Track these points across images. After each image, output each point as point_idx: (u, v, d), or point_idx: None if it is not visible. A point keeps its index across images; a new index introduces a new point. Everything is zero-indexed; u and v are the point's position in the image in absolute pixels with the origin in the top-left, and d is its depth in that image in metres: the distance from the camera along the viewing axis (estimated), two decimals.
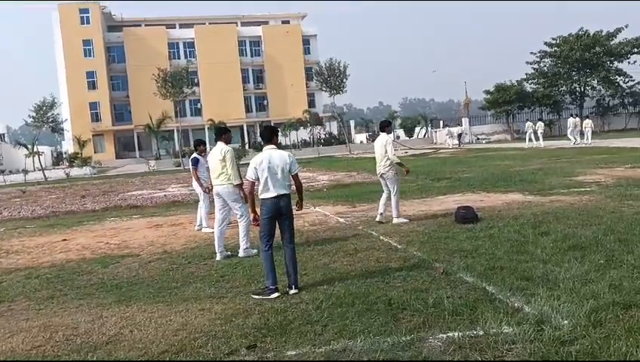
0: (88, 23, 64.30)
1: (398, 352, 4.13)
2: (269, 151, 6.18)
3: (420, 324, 4.65)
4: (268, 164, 6.04)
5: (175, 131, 59.89)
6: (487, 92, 55.73)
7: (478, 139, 51.69)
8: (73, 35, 62.84)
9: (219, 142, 8.30)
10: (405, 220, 9.83)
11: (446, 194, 13.55)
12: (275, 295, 5.79)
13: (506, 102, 52.22)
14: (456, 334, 4.38)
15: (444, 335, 4.39)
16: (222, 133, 8.50)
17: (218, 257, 7.93)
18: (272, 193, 6.03)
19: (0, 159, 53.63)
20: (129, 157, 62.87)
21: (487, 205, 10.96)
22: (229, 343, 4.54)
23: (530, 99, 53.04)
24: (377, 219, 10.00)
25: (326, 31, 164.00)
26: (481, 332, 4.39)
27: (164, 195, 19.28)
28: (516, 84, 54.56)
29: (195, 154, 10.92)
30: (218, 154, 8.12)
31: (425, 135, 60.59)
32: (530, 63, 56.25)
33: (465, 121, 56.47)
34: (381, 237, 8.58)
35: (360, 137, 68.09)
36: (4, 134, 69.70)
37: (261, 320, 5.03)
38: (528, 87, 54.98)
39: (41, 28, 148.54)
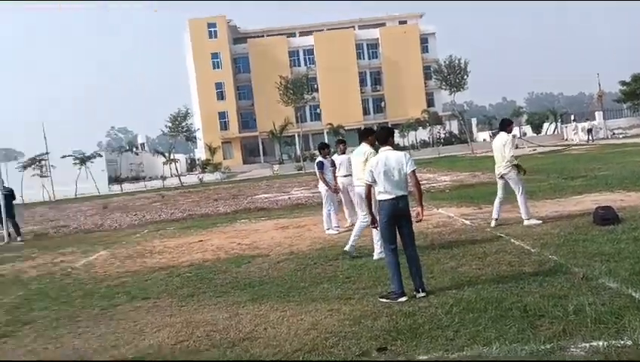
0: (216, 36, 68.22)
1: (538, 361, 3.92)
2: (385, 153, 6.13)
3: (560, 332, 4.37)
4: (384, 165, 6.00)
5: (296, 136, 61.74)
6: (623, 83, 51.42)
7: (614, 134, 47.83)
8: (202, 48, 66.99)
9: (363, 143, 8.12)
10: (538, 221, 9.30)
11: (582, 194, 12.67)
12: (403, 299, 5.73)
13: None
14: (600, 343, 4.07)
15: (587, 345, 4.09)
16: (367, 134, 8.21)
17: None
18: (389, 195, 5.98)
19: (141, 166, 58.51)
20: (254, 163, 65.75)
21: (628, 205, 10.08)
22: (359, 344, 4.57)
23: None
24: (492, 224, 9.52)
25: (445, 27, 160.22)
26: (629, 343, 4.04)
27: (289, 198, 19.91)
28: None
29: (319, 158, 11.13)
30: (362, 155, 7.99)
31: (554, 131, 57.17)
32: None
33: (598, 114, 52.54)
34: (512, 240, 8.19)
35: (483, 135, 65.78)
36: (143, 143, 75.96)
37: (390, 323, 5.00)
38: None
39: (173, 44, 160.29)
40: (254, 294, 6.58)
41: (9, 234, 15.59)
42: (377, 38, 71.75)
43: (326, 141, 54.73)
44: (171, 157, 51.66)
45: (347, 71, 68.63)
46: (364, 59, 72.36)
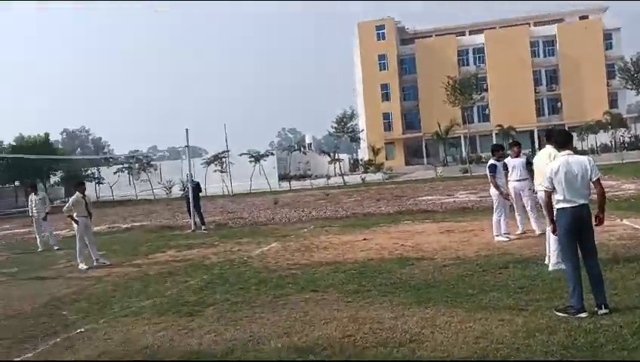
0: (384, 38, 68.88)
1: None
2: (566, 158, 5.67)
3: None
4: (565, 171, 5.57)
5: (462, 138, 60.06)
6: None
7: None
8: (370, 50, 68.05)
9: (548, 145, 7.63)
10: None
11: None
12: (583, 315, 5.29)
13: None
14: None
15: None
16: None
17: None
18: (570, 203, 5.54)
19: (308, 165, 61.14)
20: (417, 164, 65.22)
21: None
22: (533, 358, 4.33)
23: None
24: None
25: (633, 21, 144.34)
26: None
27: (453, 201, 19.46)
28: None
29: (492, 160, 10.70)
30: (546, 157, 7.47)
31: None
32: None
33: None
34: None
35: None
36: (310, 143, 79.23)
37: (568, 339, 4.66)
38: None
39: (342, 47, 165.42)
40: (420, 297, 6.54)
41: (195, 223, 17.25)
42: (554, 35, 67.04)
43: (494, 143, 52.41)
44: (336, 157, 53.21)
45: (520, 70, 65.11)
46: (539, 57, 68.09)
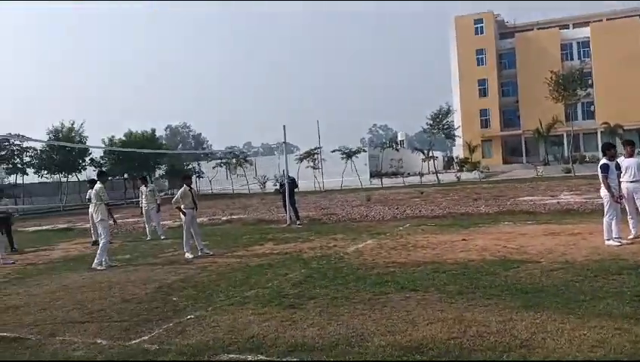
0: (482, 32, 66.73)
1: None
2: None
3: None
4: None
5: (564, 136, 57.09)
6: None
7: None
8: (468, 45, 66.19)
9: None
10: None
11: None
12: None
13: None
14: None
15: None
16: None
17: None
18: None
19: (400, 162, 60.57)
20: (515, 163, 62.71)
21: None
22: None
23: None
24: None
25: None
26: None
27: (557, 202, 18.53)
28: None
29: (604, 160, 10.08)
30: None
31: None
32: None
33: None
34: None
35: None
36: (402, 141, 78.40)
37: None
38: None
39: (436, 44, 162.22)
40: (527, 301, 6.28)
41: (290, 218, 17.61)
42: None
43: (598, 143, 49.76)
44: (430, 154, 52.31)
45: (630, 64, 60.69)
46: None
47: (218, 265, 10.49)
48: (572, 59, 64.37)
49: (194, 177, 51.10)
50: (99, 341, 5.96)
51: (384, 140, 76.40)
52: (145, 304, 7.53)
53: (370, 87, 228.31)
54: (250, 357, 5.10)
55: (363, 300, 6.90)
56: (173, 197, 12.54)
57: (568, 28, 68.21)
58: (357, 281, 8.04)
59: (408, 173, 54.92)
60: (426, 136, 58.63)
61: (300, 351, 5.14)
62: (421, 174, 49.88)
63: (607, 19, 66.30)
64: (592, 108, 63.30)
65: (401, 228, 14.83)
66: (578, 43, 65.78)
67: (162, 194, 36.70)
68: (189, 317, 6.66)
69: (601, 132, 57.72)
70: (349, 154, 49.00)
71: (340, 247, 11.74)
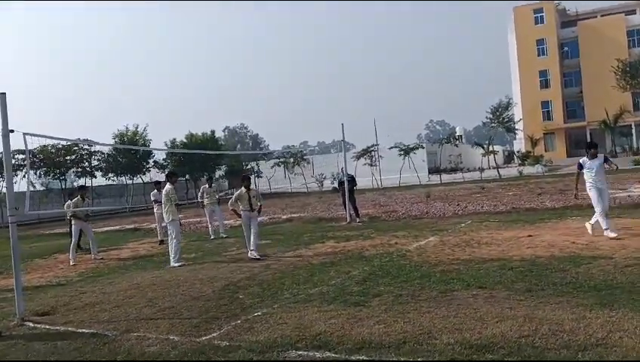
0: (542, 22, 64.56)
1: None
2: None
3: None
4: None
5: (633, 126, 54.51)
6: None
7: None
8: (527, 35, 64.21)
9: None
10: None
11: None
12: None
13: None
14: None
15: None
16: None
17: None
18: None
19: (459, 158, 59.46)
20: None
21: None
22: None
23: None
24: None
25: None
26: None
27: (628, 196, 17.77)
28: None
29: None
30: None
31: None
32: None
33: None
34: None
35: None
36: (461, 135, 76.89)
37: None
38: None
39: (496, 35, 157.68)
40: (602, 298, 6.06)
41: (350, 216, 17.63)
42: None
43: None
44: (490, 148, 51.10)
45: None
46: None
47: (282, 263, 10.64)
48: (639, 46, 61.39)
49: (253, 177, 51.93)
50: (171, 337, 6.16)
51: (442, 136, 75.17)
52: (213, 301, 7.73)
53: (426, 81, 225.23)
54: (318, 355, 5.15)
55: (428, 298, 6.84)
56: (231, 198, 12.53)
57: (635, 13, 65.00)
58: (421, 279, 7.98)
59: (468, 169, 53.86)
60: (485, 130, 57.29)
61: (367, 348, 5.15)
62: (481, 169, 48.82)
63: None
64: None
65: (463, 224, 14.59)
66: None
67: (222, 193, 37.50)
68: (256, 314, 6.79)
69: None
70: (407, 151, 48.51)
71: (402, 245, 11.67)
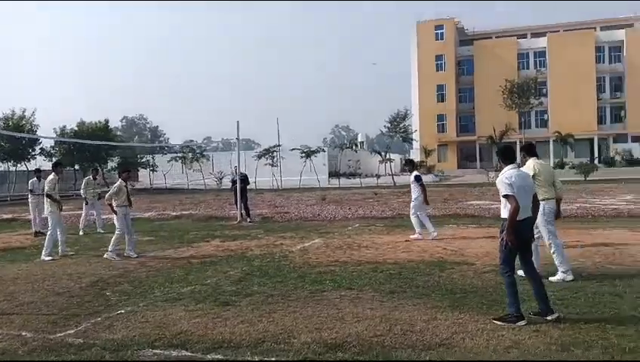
0: (442, 38, 67.93)
1: None
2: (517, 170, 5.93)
3: None
4: (519, 184, 5.76)
5: (517, 143, 58.46)
6: None
7: None
8: (428, 50, 67.29)
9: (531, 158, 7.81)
10: None
11: None
12: (522, 323, 5.48)
13: None
14: None
15: None
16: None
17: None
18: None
19: (358, 163, 60.99)
20: (469, 168, 64.02)
21: None
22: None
23: None
24: None
25: None
26: None
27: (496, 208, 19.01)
28: None
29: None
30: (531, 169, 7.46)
31: None
32: None
33: None
34: None
35: None
36: (363, 142, 78.96)
37: (604, 356, 4.52)
38: None
39: (399, 47, 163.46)
40: (455, 301, 6.46)
41: (241, 215, 17.54)
42: (622, 41, 64.46)
43: (551, 151, 51.26)
44: (387, 156, 52.83)
45: (583, 75, 62.94)
46: (604, 62, 65.65)
47: (159, 261, 10.37)
48: (528, 68, 66.30)
49: (147, 171, 50.29)
50: (23, 333, 5.83)
51: (345, 141, 76.84)
52: (77, 298, 7.39)
53: (336, 88, 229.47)
54: (174, 353, 5.08)
55: (298, 298, 6.95)
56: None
57: (526, 37, 70.05)
58: (296, 279, 8.09)
59: (366, 175, 55.34)
60: (385, 138, 59.25)
61: (225, 347, 5.15)
62: (378, 176, 50.34)
63: (564, 30, 68.36)
64: (545, 117, 65.25)
65: (350, 227, 14.97)
66: (535, 52, 67.77)
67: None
68: (119, 312, 6.57)
69: (553, 140, 59.53)
70: (309, 154, 49.01)
71: (287, 246, 11.77)
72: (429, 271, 8.31)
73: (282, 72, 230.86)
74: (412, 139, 57.01)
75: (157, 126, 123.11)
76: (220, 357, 4.93)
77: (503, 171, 5.90)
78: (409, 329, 5.40)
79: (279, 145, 51.08)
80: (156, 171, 51.64)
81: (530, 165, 7.56)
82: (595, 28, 67.98)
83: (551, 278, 7.37)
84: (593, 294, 6.57)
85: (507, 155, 6.08)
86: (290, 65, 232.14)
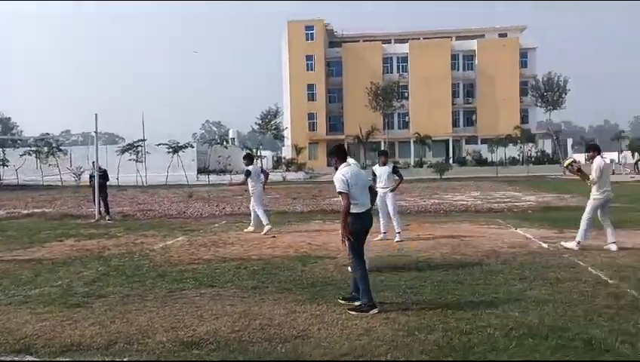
0: (312, 39, 69.29)
1: None
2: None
3: None
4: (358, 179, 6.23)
5: (382, 143, 61.48)
6: None
7: None
8: (298, 49, 68.28)
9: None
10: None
11: None
12: (375, 311, 5.77)
13: None
14: None
15: None
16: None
17: None
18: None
19: (229, 160, 60.39)
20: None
21: None
22: (408, 356, 4.52)
23: None
24: (575, 247, 9.41)
25: (549, 42, 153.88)
26: None
27: None
28: None
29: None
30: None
31: None
32: None
33: None
34: (590, 268, 7.76)
35: (578, 157, 62.53)
36: (234, 138, 78.30)
37: (444, 339, 4.90)
38: None
39: (271, 43, 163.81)
40: (315, 294, 6.65)
41: (100, 213, 16.62)
42: (474, 50, 70.09)
43: (412, 151, 54.62)
44: (258, 153, 52.92)
45: (440, 81, 67.55)
46: (458, 70, 70.91)
47: (5, 263, 9.52)
48: (392, 72, 69.72)
49: None
50: None
51: (216, 137, 75.54)
52: None
53: (208, 83, 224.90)
54: (17, 359, 4.72)
55: (156, 297, 6.75)
56: None
57: (390, 43, 73.63)
58: (155, 278, 7.85)
59: (237, 171, 54.92)
60: (257, 135, 59.32)
61: (74, 350, 4.87)
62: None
63: (424, 38, 72.79)
64: (406, 119, 69.09)
65: (216, 225, 14.81)
66: (398, 58, 71.37)
67: None
68: None
69: (414, 141, 63.24)
70: (176, 149, 47.61)
71: (148, 244, 11.37)
72: (292, 266, 8.47)
73: (151, 65, 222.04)
74: (283, 137, 57.71)
75: (9, 118, 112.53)
76: (68, 360, 4.67)
77: (339, 168, 6.19)
78: (267, 324, 5.47)
79: (144, 140, 49.06)
80: (7, 166, 47.29)
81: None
82: (451, 37, 73.15)
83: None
84: (439, 282, 7.09)
85: (340, 154, 6.39)
86: (161, 57, 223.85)
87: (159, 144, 48.47)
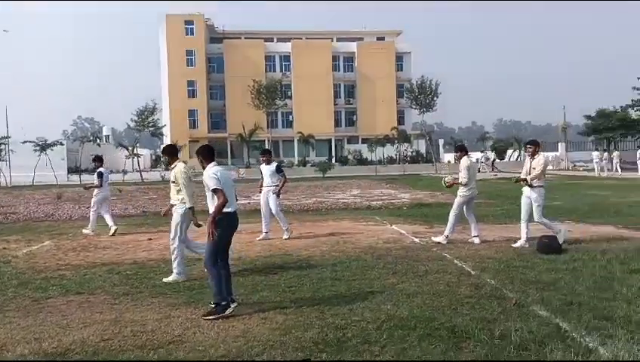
0: (192, 34, 67.60)
1: None
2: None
3: (482, 356, 4.45)
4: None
5: (266, 141, 61.55)
6: (588, 117, 53.30)
7: (575, 165, 49.26)
8: (178, 44, 66.26)
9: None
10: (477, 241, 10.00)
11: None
12: (234, 305, 5.79)
13: (607, 128, 49.66)
14: None
15: None
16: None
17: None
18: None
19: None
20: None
21: (574, 236, 10.33)
22: (284, 355, 4.56)
23: (637, 127, 49.92)
24: (443, 241, 10.06)
25: (422, 47, 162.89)
26: None
27: (248, 202, 19.82)
28: (620, 110, 51.59)
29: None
30: None
31: (517, 158, 58.41)
32: (638, 89, 52.03)
33: (561, 146, 54.13)
34: (455, 261, 8.32)
35: (448, 157, 66.75)
36: (108, 135, 74.44)
37: (319, 335, 5.01)
38: (634, 114, 51.50)
39: (149, 36, 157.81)
40: (191, 297, 6.51)
41: None
42: (354, 52, 72.23)
43: (295, 150, 55.11)
44: (135, 151, 50.76)
45: (322, 81, 68.82)
46: (339, 71, 72.66)
47: None
48: (274, 70, 69.90)
49: None
50: None
51: (89, 134, 71.37)
52: None
53: (76, 74, 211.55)
54: None
55: (18, 307, 6.26)
56: None
57: (273, 41, 73.77)
58: (17, 287, 7.28)
59: (111, 171, 52.20)
60: (133, 132, 56.79)
61: None
62: (125, 172, 48.06)
63: (306, 38, 73.73)
64: (290, 118, 69.67)
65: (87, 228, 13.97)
66: (280, 56, 71.66)
67: None
68: None
69: (297, 140, 63.92)
70: (44, 147, 44.35)
71: (10, 250, 10.51)
72: (168, 269, 8.17)
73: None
74: (162, 134, 55.76)
75: None
76: None
77: (208, 168, 6.18)
78: (140, 330, 5.26)
79: (8, 137, 45.18)
80: None
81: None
82: (332, 38, 74.80)
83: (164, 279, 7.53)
84: (317, 280, 7.24)
85: (209, 154, 6.40)
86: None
87: (25, 142, 44.90)
